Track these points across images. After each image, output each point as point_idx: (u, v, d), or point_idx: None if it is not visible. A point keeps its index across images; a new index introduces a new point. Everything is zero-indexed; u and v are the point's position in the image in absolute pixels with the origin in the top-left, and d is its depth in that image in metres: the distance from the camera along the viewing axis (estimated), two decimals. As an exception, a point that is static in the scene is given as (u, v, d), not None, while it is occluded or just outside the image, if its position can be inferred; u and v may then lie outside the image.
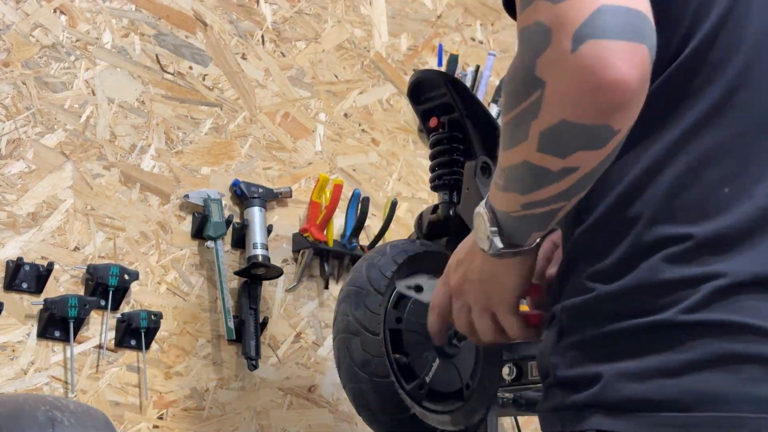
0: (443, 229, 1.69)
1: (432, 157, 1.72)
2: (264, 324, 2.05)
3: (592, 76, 0.82)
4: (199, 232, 1.99)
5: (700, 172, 0.93)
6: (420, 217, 1.72)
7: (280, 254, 2.13)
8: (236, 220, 2.06)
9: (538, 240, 1.01)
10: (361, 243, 2.23)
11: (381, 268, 1.52)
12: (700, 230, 0.91)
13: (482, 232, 1.01)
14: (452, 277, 1.12)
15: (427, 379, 1.51)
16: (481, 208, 1.00)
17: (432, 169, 1.72)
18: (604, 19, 0.82)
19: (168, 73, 2.04)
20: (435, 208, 1.70)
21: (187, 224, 2.00)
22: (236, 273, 2.03)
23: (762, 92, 0.95)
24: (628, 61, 0.82)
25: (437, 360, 1.52)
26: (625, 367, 0.90)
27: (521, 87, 0.87)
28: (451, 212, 1.68)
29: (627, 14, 0.83)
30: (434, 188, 1.72)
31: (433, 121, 1.70)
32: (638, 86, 0.84)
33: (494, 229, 0.99)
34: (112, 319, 1.85)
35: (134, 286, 1.89)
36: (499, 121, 0.95)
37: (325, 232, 2.16)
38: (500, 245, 1.00)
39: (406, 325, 1.52)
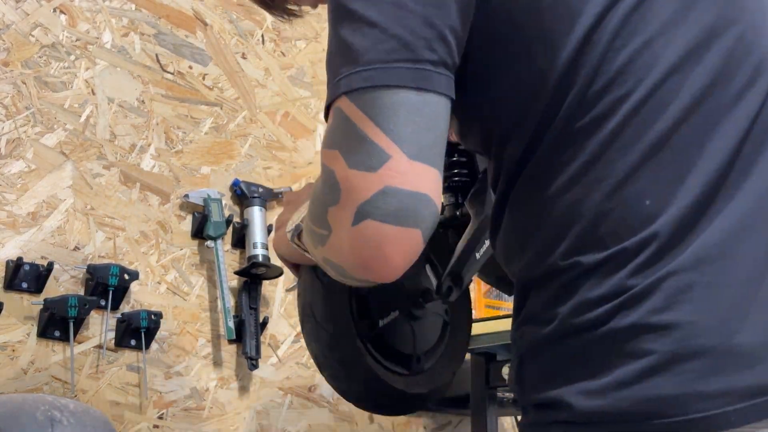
0: (442, 228, 1.69)
1: (432, 157, 1.72)
2: (264, 324, 2.05)
3: (363, 252, 0.89)
4: (199, 232, 1.99)
5: (617, 195, 0.94)
6: None
7: (280, 254, 2.13)
8: (236, 219, 2.06)
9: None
10: (361, 243, 2.22)
11: None
12: (628, 245, 0.92)
13: (292, 225, 1.21)
14: (286, 208, 1.33)
15: (380, 323, 1.48)
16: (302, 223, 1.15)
17: (432, 169, 1.72)
18: (385, 202, 0.87)
19: (168, 72, 2.04)
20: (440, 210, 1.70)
21: (187, 224, 2.00)
22: (236, 273, 2.03)
23: (659, 107, 0.95)
24: (398, 248, 0.88)
25: (397, 312, 1.50)
26: (584, 386, 0.92)
27: (318, 218, 0.95)
28: (457, 213, 1.67)
29: (408, 198, 0.87)
30: (436, 189, 1.71)
31: (433, 121, 1.70)
32: (402, 268, 0.90)
33: (296, 234, 1.19)
34: (112, 319, 1.85)
35: (134, 286, 1.89)
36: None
37: (325, 232, 2.16)
38: (293, 241, 1.21)
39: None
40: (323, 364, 1.47)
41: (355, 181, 0.88)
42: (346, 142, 0.91)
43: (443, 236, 1.55)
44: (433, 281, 1.54)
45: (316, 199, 0.95)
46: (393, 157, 0.88)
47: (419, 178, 0.88)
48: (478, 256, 1.51)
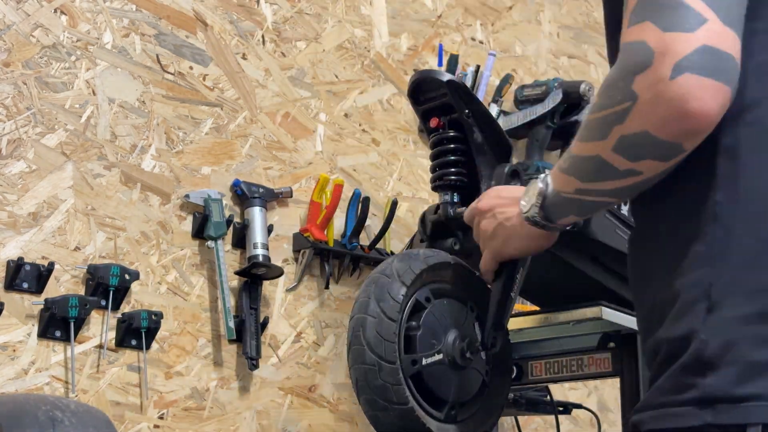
0: (446, 230, 1.69)
1: (432, 158, 1.72)
2: (264, 324, 2.05)
3: (683, 103, 0.96)
4: (199, 232, 2.00)
5: None
6: (423, 218, 1.72)
7: (280, 254, 2.14)
8: (237, 220, 2.06)
9: (567, 224, 1.26)
10: (361, 243, 2.23)
11: (410, 263, 1.52)
12: None
13: (529, 196, 1.24)
14: (485, 201, 1.40)
15: (424, 361, 1.50)
16: (539, 180, 1.22)
17: (433, 170, 1.72)
18: (704, 58, 0.95)
19: (168, 73, 2.04)
20: (436, 208, 1.70)
21: (187, 224, 2.00)
22: (237, 273, 2.03)
23: None
24: (714, 98, 0.96)
25: (441, 356, 1.51)
26: None
27: (615, 94, 1.00)
28: (452, 212, 1.68)
29: (722, 58, 0.96)
30: (435, 188, 1.72)
31: (433, 122, 1.70)
32: (715, 119, 0.98)
33: (540, 200, 1.22)
34: (112, 319, 1.85)
35: (135, 286, 1.89)
36: (583, 116, 1.08)
37: (325, 232, 2.16)
38: (535, 214, 1.24)
39: (423, 324, 1.51)
40: (363, 389, 1.47)
41: (671, 41, 0.96)
42: (659, 12, 0.98)
43: (486, 289, 1.57)
44: (478, 334, 1.55)
45: (617, 75, 1.00)
46: (710, 20, 0.96)
47: (732, 42, 0.97)
48: (513, 295, 1.53)
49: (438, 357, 1.50)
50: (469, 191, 1.67)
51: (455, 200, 1.69)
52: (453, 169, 1.70)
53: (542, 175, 1.22)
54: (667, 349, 1.02)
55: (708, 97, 0.96)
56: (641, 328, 1.12)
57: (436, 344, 1.50)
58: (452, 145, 1.69)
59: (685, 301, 1.01)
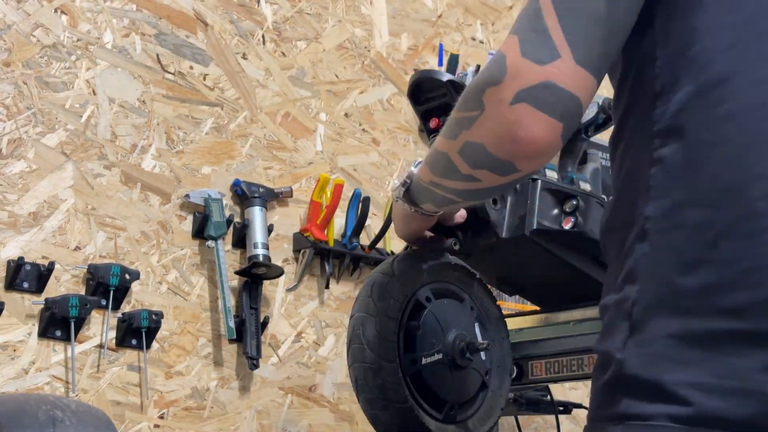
0: (446, 229, 1.69)
1: (432, 157, 1.72)
2: (265, 324, 2.05)
3: (514, 128, 1.00)
4: (199, 232, 2.00)
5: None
6: None
7: (280, 254, 2.14)
8: (237, 219, 2.06)
9: (435, 211, 1.36)
10: (361, 243, 2.23)
11: (411, 262, 1.53)
12: None
13: (401, 179, 1.33)
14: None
15: (423, 361, 1.49)
16: (414, 164, 1.30)
17: (432, 169, 1.72)
18: (543, 93, 0.99)
19: (169, 72, 2.04)
20: None
21: (187, 224, 2.00)
22: (237, 273, 2.03)
23: None
24: (543, 130, 1.00)
25: (441, 356, 1.51)
26: None
27: (470, 99, 1.05)
28: None
29: (561, 96, 0.99)
30: (435, 188, 1.72)
31: (433, 122, 1.70)
32: (547, 149, 1.02)
33: (406, 183, 1.31)
34: (112, 319, 1.85)
35: (135, 286, 1.89)
36: None
37: (325, 232, 2.16)
38: (399, 196, 1.33)
39: (423, 324, 1.51)
40: (362, 387, 1.47)
41: (522, 68, 0.99)
42: (526, 32, 1.02)
43: (486, 289, 1.57)
44: (479, 335, 1.55)
45: (476, 83, 1.04)
46: (562, 57, 0.99)
47: (580, 81, 1.00)
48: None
49: (438, 357, 1.50)
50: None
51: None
52: None
53: (418, 160, 1.29)
54: (599, 361, 1.04)
55: (537, 128, 0.99)
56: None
57: (435, 344, 1.50)
58: None
59: (610, 318, 1.03)
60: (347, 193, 2.20)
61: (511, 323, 1.84)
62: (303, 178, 2.22)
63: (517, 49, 1.00)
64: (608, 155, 1.21)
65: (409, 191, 1.32)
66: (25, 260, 1.75)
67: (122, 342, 1.86)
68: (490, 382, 1.58)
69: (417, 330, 1.49)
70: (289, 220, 2.17)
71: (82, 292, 1.83)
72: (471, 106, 1.04)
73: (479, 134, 1.04)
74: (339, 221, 2.20)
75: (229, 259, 2.03)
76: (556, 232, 1.61)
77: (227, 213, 2.02)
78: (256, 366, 2.00)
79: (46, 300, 1.76)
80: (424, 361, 1.48)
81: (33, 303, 1.76)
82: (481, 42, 2.71)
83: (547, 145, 1.02)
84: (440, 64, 2.52)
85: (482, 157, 1.05)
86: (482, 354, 1.55)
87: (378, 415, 1.48)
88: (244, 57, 2.17)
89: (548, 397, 2.19)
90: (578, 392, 2.69)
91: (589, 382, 2.92)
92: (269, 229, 2.08)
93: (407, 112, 2.45)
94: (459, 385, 1.53)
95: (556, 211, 1.64)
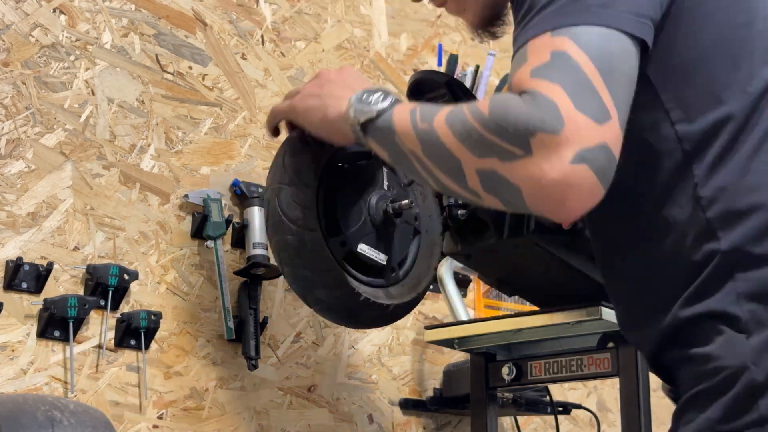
0: (444, 228, 1.69)
1: (432, 157, 1.72)
2: (264, 324, 2.05)
3: (567, 190, 0.93)
4: (198, 232, 1.99)
5: None
6: None
7: (279, 254, 2.13)
8: (236, 219, 2.06)
9: (372, 150, 1.19)
10: (360, 243, 2.22)
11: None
12: None
13: (364, 104, 1.19)
14: (333, 71, 1.37)
15: (352, 241, 1.47)
16: (387, 99, 1.18)
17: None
18: (602, 156, 0.93)
19: (168, 72, 2.04)
20: (442, 210, 1.70)
21: (186, 224, 2.00)
22: (236, 273, 2.03)
23: None
24: (594, 197, 0.94)
25: (370, 226, 1.50)
26: None
27: (515, 136, 0.94)
28: (458, 213, 1.68)
29: (612, 162, 0.94)
30: (435, 188, 1.72)
31: (433, 121, 1.70)
32: (575, 215, 0.96)
33: (370, 116, 1.17)
34: (111, 319, 1.85)
35: (134, 286, 1.89)
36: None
37: (324, 232, 2.16)
38: (357, 121, 1.18)
39: (342, 189, 1.49)
40: (286, 261, 1.46)
41: (583, 124, 0.92)
42: (573, 84, 0.93)
43: None
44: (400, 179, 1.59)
45: (525, 121, 0.94)
46: (612, 119, 0.93)
47: (619, 148, 0.95)
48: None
49: (368, 229, 1.48)
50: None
51: (459, 201, 1.68)
52: None
53: (392, 98, 1.18)
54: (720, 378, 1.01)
55: (589, 194, 0.94)
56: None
57: (360, 215, 1.49)
58: None
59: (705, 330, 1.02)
60: (346, 194, 2.20)
61: (511, 323, 1.84)
62: (302, 178, 2.22)
63: (568, 101, 0.92)
64: None
65: (368, 123, 1.18)
66: (24, 260, 1.74)
67: (121, 342, 1.85)
68: (420, 227, 1.59)
69: (336, 199, 1.48)
70: (288, 220, 2.17)
71: (81, 292, 1.82)
72: (513, 141, 0.94)
73: (518, 177, 0.95)
74: (338, 221, 2.20)
75: (228, 260, 2.03)
76: (556, 232, 1.61)
77: (226, 213, 2.01)
78: (255, 366, 2.00)
79: (45, 300, 1.76)
80: (353, 242, 1.47)
81: (32, 303, 1.76)
82: (481, 42, 2.71)
83: (580, 213, 0.96)
84: (440, 64, 2.52)
85: (508, 196, 0.97)
86: (413, 209, 1.55)
87: (308, 286, 1.48)
88: (243, 57, 2.17)
89: (547, 397, 2.19)
90: (577, 393, 2.68)
91: (589, 383, 2.93)
92: (268, 230, 2.08)
93: (406, 112, 2.45)
94: (394, 244, 1.53)
95: (555, 211, 1.64)
